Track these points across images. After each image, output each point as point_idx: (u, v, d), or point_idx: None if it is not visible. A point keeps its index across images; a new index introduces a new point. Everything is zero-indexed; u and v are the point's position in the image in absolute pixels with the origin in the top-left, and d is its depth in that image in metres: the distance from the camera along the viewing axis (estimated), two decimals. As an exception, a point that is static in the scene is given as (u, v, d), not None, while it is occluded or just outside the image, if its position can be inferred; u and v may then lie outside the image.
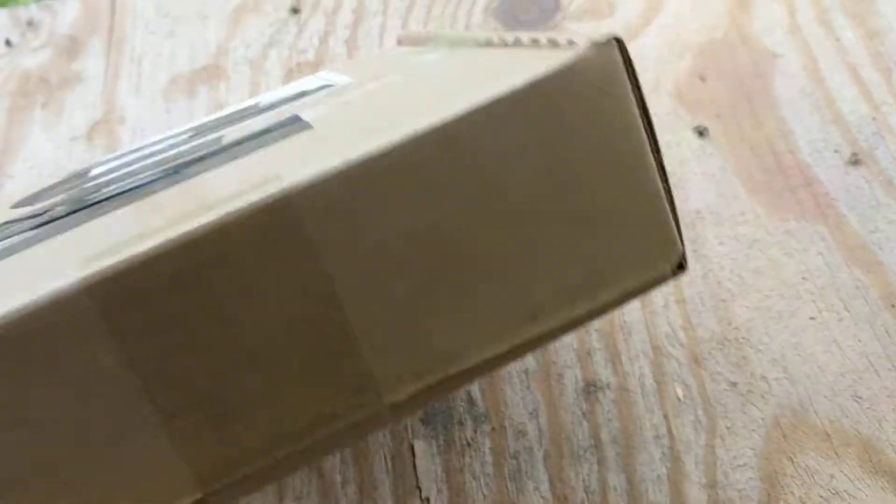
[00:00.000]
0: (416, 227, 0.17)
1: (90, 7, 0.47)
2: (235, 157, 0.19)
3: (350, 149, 0.16)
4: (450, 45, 0.25)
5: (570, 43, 0.17)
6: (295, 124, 0.21)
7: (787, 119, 0.37)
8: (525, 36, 0.19)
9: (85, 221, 0.18)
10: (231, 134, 0.23)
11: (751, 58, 0.39)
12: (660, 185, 0.18)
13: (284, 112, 0.23)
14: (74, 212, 0.19)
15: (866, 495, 0.27)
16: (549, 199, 0.17)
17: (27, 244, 0.18)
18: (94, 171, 0.25)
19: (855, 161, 0.35)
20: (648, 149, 0.18)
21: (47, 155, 0.41)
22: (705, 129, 0.37)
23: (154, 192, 0.19)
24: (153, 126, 0.41)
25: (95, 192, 0.21)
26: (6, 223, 0.22)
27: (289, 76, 0.42)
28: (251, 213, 0.15)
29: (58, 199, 0.22)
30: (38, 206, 0.22)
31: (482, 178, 0.17)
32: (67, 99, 0.43)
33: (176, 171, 0.20)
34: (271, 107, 0.25)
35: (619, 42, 0.17)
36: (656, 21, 0.42)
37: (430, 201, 0.17)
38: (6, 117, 0.42)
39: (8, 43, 0.46)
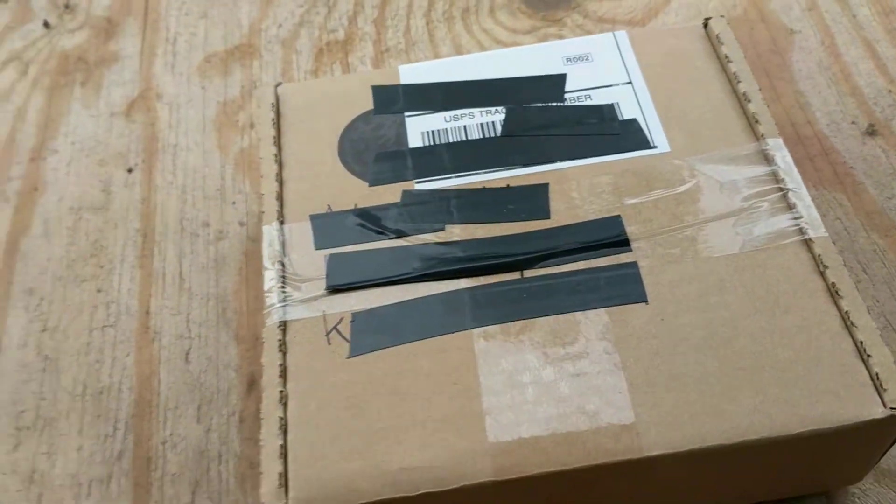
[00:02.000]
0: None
1: (125, -10, 0.48)
2: (571, 308, 0.26)
3: (700, 424, 0.24)
4: None
5: (882, 388, 0.24)
6: (629, 285, 0.27)
7: (805, 92, 0.38)
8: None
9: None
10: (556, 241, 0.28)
11: (769, 34, 0.41)
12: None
13: (606, 225, 0.28)
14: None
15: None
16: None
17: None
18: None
19: (871, 132, 0.36)
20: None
21: (88, 130, 0.42)
22: (726, 101, 0.38)
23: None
24: (189, 103, 0.42)
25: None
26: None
27: (319, 55, 0.43)
28: (614, 464, 0.24)
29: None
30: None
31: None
32: (105, 77, 0.44)
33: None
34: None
35: None
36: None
37: (729, 466, 0.25)
38: (47, 95, 0.44)
39: (46, 24, 0.47)
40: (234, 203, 0.38)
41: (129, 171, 0.40)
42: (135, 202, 0.39)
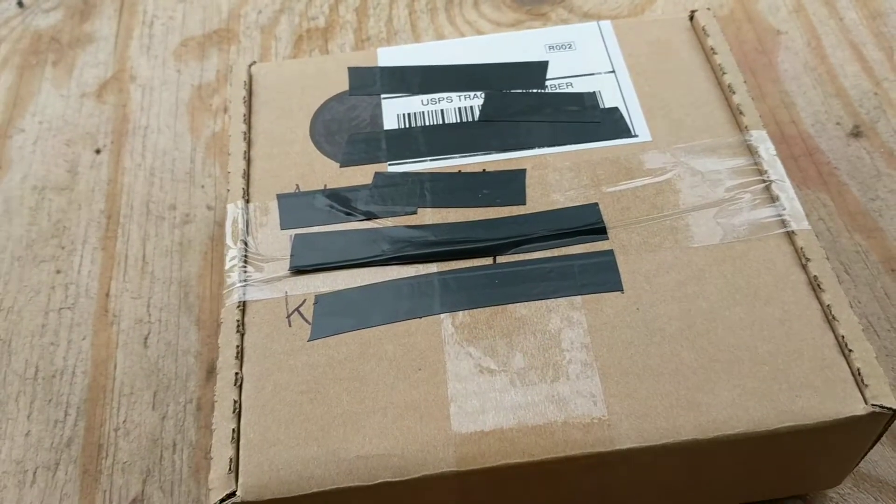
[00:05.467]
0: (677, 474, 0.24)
1: (103, -28, 0.47)
2: (544, 295, 0.25)
3: (674, 419, 0.22)
4: None
5: (864, 384, 0.23)
6: (604, 273, 0.25)
7: (791, 92, 0.37)
8: None
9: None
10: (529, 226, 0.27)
11: (755, 34, 0.40)
12: None
13: (587, 214, 0.27)
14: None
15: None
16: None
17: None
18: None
19: (856, 133, 0.36)
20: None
21: (56, 110, 0.41)
22: (710, 99, 0.37)
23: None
24: (163, 85, 0.41)
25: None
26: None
27: (298, 42, 0.42)
28: (583, 456, 0.22)
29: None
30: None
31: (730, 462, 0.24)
32: (78, 58, 0.43)
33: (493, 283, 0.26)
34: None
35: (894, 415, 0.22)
36: (663, -2, 0.42)
37: (704, 463, 0.24)
38: (17, 74, 0.43)
39: (20, 4, 0.46)
40: (202, 186, 0.37)
41: (97, 151, 0.39)
42: (101, 183, 0.38)
